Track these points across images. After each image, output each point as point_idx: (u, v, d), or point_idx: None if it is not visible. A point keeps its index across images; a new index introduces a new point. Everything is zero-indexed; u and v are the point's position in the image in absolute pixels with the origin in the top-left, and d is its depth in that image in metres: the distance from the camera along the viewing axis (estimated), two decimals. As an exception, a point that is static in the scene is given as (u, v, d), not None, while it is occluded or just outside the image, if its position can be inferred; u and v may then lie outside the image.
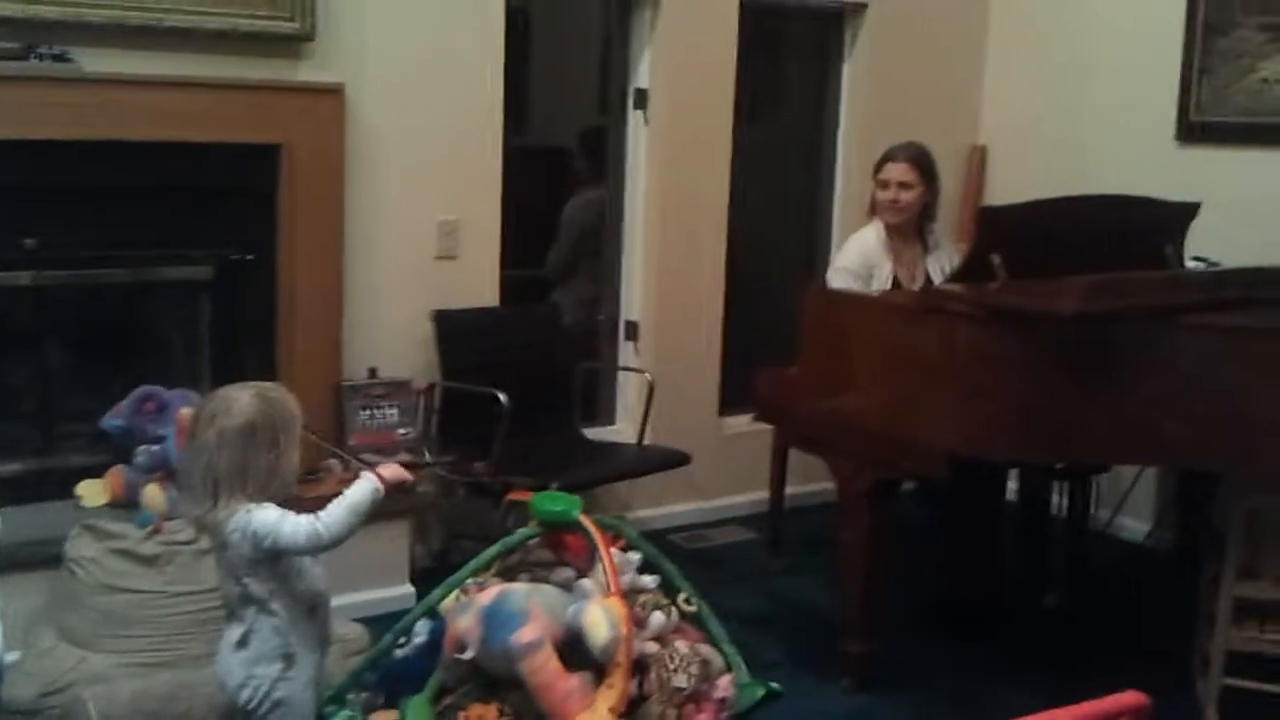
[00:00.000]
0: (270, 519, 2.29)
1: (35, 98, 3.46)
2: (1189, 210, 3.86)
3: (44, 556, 3.35)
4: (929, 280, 4.10)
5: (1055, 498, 4.11)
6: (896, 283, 4.12)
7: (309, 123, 3.89)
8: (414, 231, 4.22)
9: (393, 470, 2.46)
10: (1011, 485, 4.26)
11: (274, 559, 2.33)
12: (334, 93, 3.94)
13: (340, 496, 2.38)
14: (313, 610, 2.44)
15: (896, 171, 4.09)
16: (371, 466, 2.46)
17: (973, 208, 5.31)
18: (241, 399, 2.32)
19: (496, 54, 4.31)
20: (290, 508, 2.36)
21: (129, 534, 3.29)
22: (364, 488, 2.40)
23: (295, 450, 2.34)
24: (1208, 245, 4.14)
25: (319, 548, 2.33)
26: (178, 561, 3.26)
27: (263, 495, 2.31)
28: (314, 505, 2.41)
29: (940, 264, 4.17)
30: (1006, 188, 5.26)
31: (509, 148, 4.43)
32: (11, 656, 2.93)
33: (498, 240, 4.42)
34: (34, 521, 3.47)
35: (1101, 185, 4.06)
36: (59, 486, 3.65)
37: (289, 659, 2.39)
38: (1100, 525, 4.61)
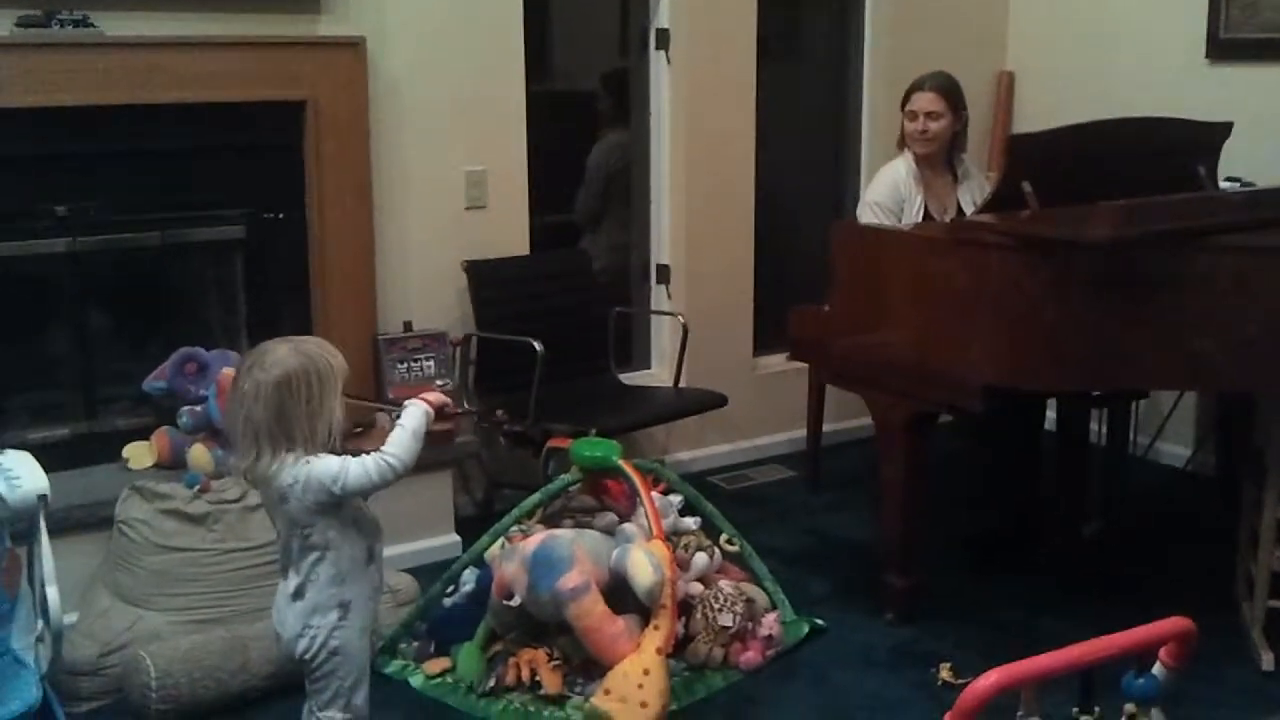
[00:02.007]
0: (334, 465, 2.32)
1: (59, 64, 3.47)
2: (1221, 130, 3.81)
3: (94, 519, 3.40)
4: (960, 211, 4.08)
5: (1094, 425, 4.10)
6: (928, 214, 4.10)
7: (331, 78, 3.89)
8: (442, 183, 4.22)
9: (435, 395, 2.53)
10: (1050, 414, 4.25)
11: (337, 506, 2.36)
12: (355, 46, 3.92)
13: (397, 428, 2.42)
14: (369, 560, 2.48)
15: (924, 101, 4.06)
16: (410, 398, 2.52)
17: (1002, 136, 5.26)
18: (277, 351, 2.35)
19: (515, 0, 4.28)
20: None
21: (177, 494, 3.34)
22: (416, 413, 2.45)
23: (335, 401, 2.36)
24: (1241, 165, 4.09)
25: (393, 477, 2.37)
26: (226, 519, 3.31)
27: (311, 446, 2.33)
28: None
29: (971, 194, 4.14)
30: (1036, 114, 5.21)
31: (532, 94, 4.41)
32: (69, 618, 2.98)
33: (526, 188, 4.41)
34: (83, 485, 3.53)
35: (1132, 107, 4.01)
36: (105, 450, 3.71)
37: (345, 608, 2.43)
38: (1140, 452, 4.60)
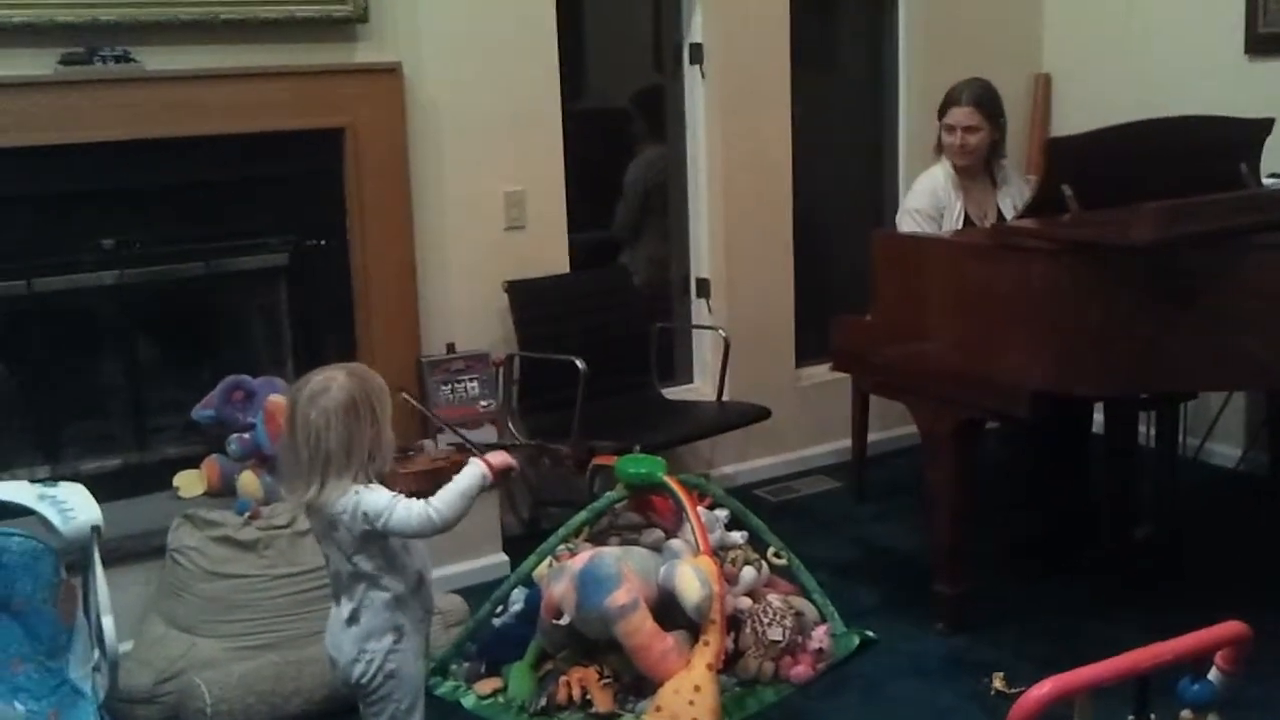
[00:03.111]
0: (382, 501, 2.34)
1: (102, 100, 3.53)
2: (1263, 126, 3.78)
3: (147, 548, 3.44)
4: (1000, 216, 4.06)
5: (1142, 428, 4.07)
6: (968, 220, 4.08)
7: (369, 104, 3.93)
8: (481, 204, 4.25)
9: (500, 458, 2.52)
10: (1098, 418, 4.22)
11: (382, 538, 2.38)
12: (391, 72, 3.96)
13: (452, 482, 2.43)
14: (419, 584, 2.49)
15: (961, 116, 4.04)
16: (480, 454, 2.51)
17: (1040, 139, 5.23)
18: (338, 378, 2.36)
19: (549, 20, 4.30)
20: (386, 485, 2.40)
21: (228, 521, 3.37)
22: (474, 473, 2.45)
23: (389, 424, 2.38)
24: (1285, 161, 4.05)
25: (431, 531, 2.38)
26: (276, 545, 3.34)
27: (367, 472, 2.35)
28: (408, 481, 2.45)
29: (1011, 199, 4.13)
30: (1073, 116, 5.17)
31: (568, 113, 4.43)
32: (124, 647, 3.02)
33: (564, 206, 4.43)
34: (134, 514, 3.57)
35: (1171, 106, 3.98)
36: (155, 479, 3.76)
37: (399, 632, 2.44)
38: (1190, 453, 4.55)
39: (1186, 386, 3.80)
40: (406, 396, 2.46)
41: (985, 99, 4.05)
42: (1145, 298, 3.07)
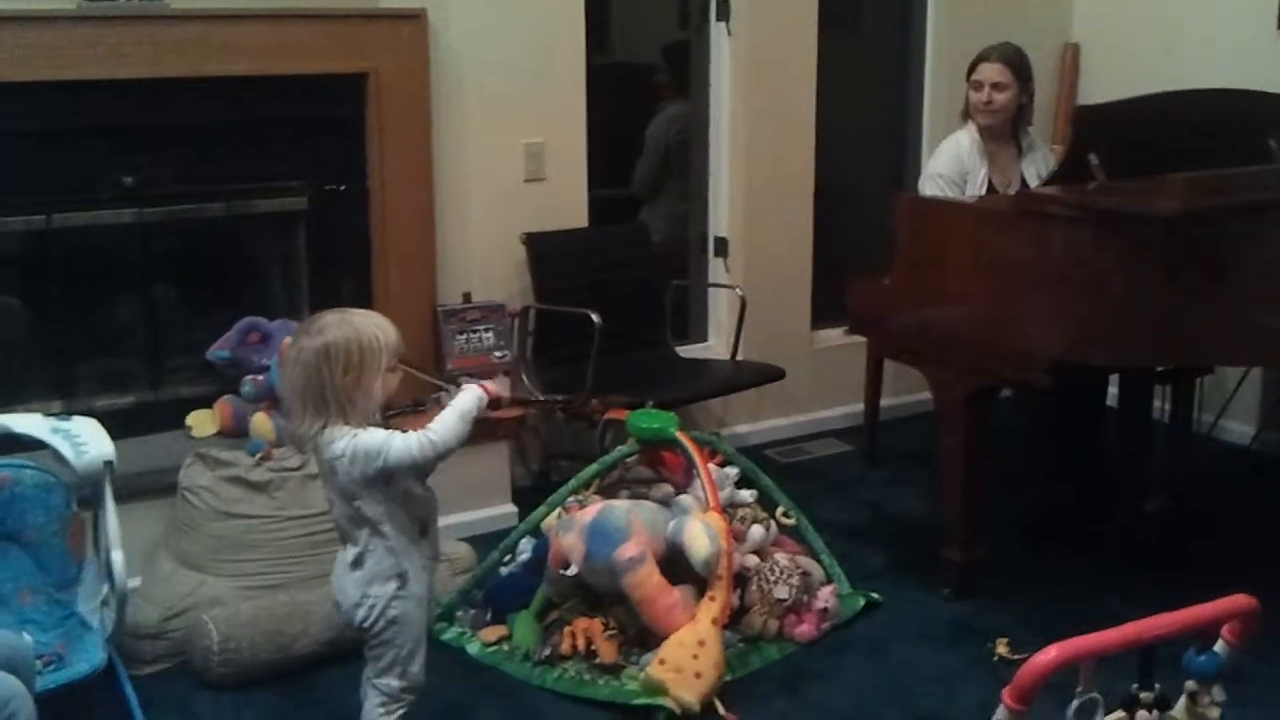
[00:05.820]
0: (377, 439, 2.33)
1: (127, 36, 3.51)
2: (1293, 102, 3.74)
3: (158, 485, 3.46)
4: (1024, 184, 4.03)
5: (1158, 401, 4.05)
6: (991, 187, 4.05)
7: (393, 50, 3.91)
8: (501, 155, 4.23)
9: (494, 385, 2.53)
10: (1112, 390, 4.20)
11: (385, 481, 2.37)
12: (416, 19, 3.94)
13: (448, 407, 2.42)
14: (424, 531, 2.49)
15: (990, 72, 4.01)
16: (474, 380, 2.51)
17: (1067, 108, 5.18)
18: (326, 321, 2.36)
19: (575, -29, 4.28)
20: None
21: (240, 462, 3.38)
22: (470, 396, 2.45)
23: (378, 375, 2.35)
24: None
25: (434, 455, 2.37)
26: (287, 487, 3.35)
27: (350, 416, 2.34)
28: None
29: (1035, 167, 4.09)
30: (1101, 86, 5.12)
31: (591, 66, 4.40)
32: (133, 583, 3.04)
33: (584, 160, 4.41)
34: (147, 452, 3.58)
35: (1200, 79, 3.94)
36: (169, 418, 3.76)
37: (402, 578, 2.44)
38: (1204, 429, 4.53)
39: (1205, 360, 3.79)
40: (404, 367, 2.44)
41: (1015, 59, 4.02)
42: (1168, 270, 3.04)
